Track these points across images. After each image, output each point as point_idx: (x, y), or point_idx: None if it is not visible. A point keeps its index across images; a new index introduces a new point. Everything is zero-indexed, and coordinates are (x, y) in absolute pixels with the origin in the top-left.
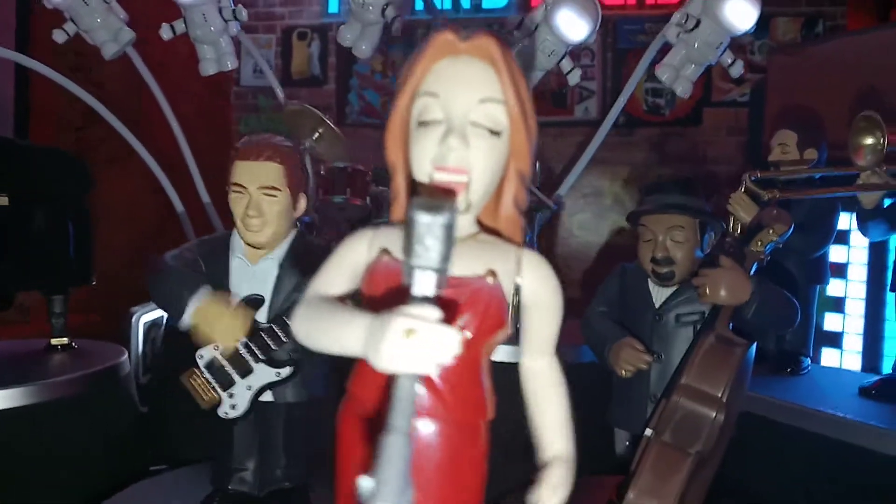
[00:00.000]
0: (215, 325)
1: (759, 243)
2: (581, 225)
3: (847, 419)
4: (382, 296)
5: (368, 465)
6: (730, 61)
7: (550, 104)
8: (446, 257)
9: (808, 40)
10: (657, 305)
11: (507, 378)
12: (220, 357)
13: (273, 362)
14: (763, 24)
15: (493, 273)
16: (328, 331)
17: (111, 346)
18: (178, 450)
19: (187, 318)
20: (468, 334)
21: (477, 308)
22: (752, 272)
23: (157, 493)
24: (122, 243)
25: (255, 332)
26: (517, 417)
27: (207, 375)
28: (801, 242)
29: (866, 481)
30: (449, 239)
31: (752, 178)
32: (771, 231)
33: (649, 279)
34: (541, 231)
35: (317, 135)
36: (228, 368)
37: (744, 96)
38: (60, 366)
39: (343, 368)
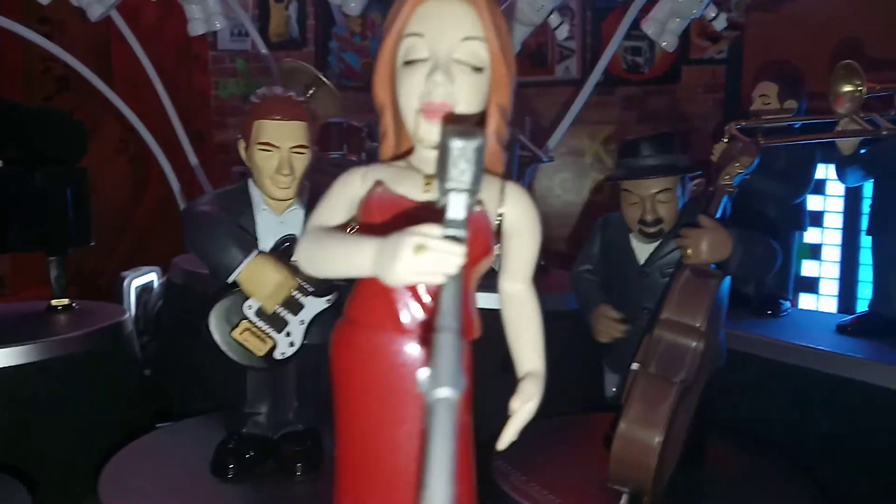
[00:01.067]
0: (264, 287)
1: (727, 176)
2: (563, 184)
3: (827, 351)
4: (378, 224)
5: (370, 385)
6: (713, 14)
7: (531, 64)
8: (477, 180)
9: None
10: (641, 262)
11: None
12: None
13: (320, 292)
14: None
15: (479, 202)
16: (336, 255)
17: (111, 305)
18: (183, 407)
19: (235, 276)
20: None
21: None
22: (722, 205)
23: (169, 442)
24: (97, 212)
25: (298, 270)
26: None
27: (261, 323)
28: (782, 189)
29: (846, 409)
30: (480, 162)
31: (737, 127)
32: (737, 164)
33: (631, 235)
34: (530, 184)
35: (311, 91)
36: (281, 310)
37: (721, 53)
38: (64, 325)
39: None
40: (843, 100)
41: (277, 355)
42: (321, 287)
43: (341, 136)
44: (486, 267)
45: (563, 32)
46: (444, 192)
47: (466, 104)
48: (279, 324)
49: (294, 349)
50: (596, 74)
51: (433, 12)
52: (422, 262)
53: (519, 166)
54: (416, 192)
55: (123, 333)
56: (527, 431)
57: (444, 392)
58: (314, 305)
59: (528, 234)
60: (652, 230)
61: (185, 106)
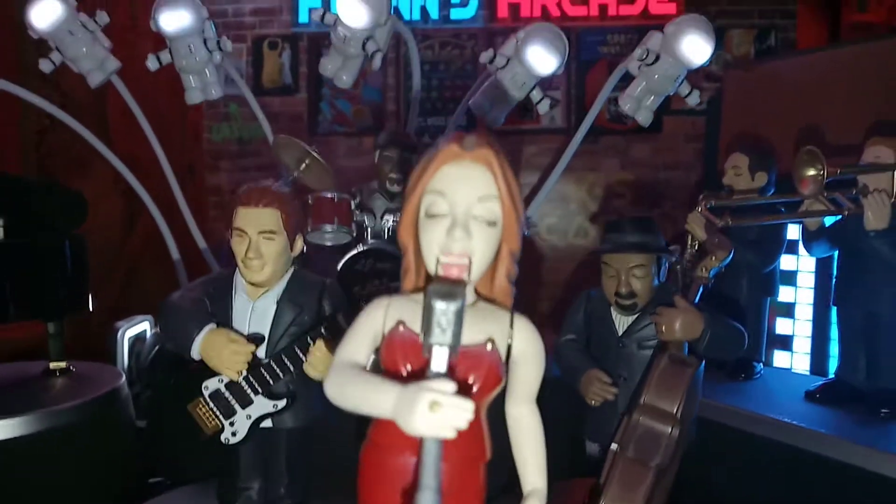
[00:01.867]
0: (220, 355)
1: (704, 269)
2: (549, 228)
3: (791, 423)
4: (400, 365)
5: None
6: (687, 91)
7: (518, 113)
8: (458, 335)
9: (761, 53)
10: (620, 333)
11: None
12: (223, 389)
13: (271, 395)
14: (719, 36)
15: (492, 340)
16: (359, 396)
17: (107, 367)
18: (177, 464)
19: (195, 350)
20: (473, 391)
21: (480, 371)
22: (698, 294)
23: None
24: (90, 247)
25: (255, 366)
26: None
27: (212, 405)
28: (754, 257)
29: (810, 482)
30: (460, 320)
31: (708, 206)
32: (713, 258)
33: (612, 308)
34: None
35: (304, 165)
36: (231, 399)
37: (701, 105)
38: (61, 392)
39: None
40: (808, 182)
41: (222, 439)
42: (272, 391)
43: (332, 209)
44: (497, 394)
45: (544, 107)
46: (428, 346)
47: (482, 254)
48: (228, 411)
49: (236, 440)
50: (578, 138)
51: (454, 174)
52: (436, 418)
53: None
54: None
55: (120, 398)
56: (511, 499)
57: None
58: (262, 405)
59: (533, 363)
60: (626, 302)
61: (179, 142)
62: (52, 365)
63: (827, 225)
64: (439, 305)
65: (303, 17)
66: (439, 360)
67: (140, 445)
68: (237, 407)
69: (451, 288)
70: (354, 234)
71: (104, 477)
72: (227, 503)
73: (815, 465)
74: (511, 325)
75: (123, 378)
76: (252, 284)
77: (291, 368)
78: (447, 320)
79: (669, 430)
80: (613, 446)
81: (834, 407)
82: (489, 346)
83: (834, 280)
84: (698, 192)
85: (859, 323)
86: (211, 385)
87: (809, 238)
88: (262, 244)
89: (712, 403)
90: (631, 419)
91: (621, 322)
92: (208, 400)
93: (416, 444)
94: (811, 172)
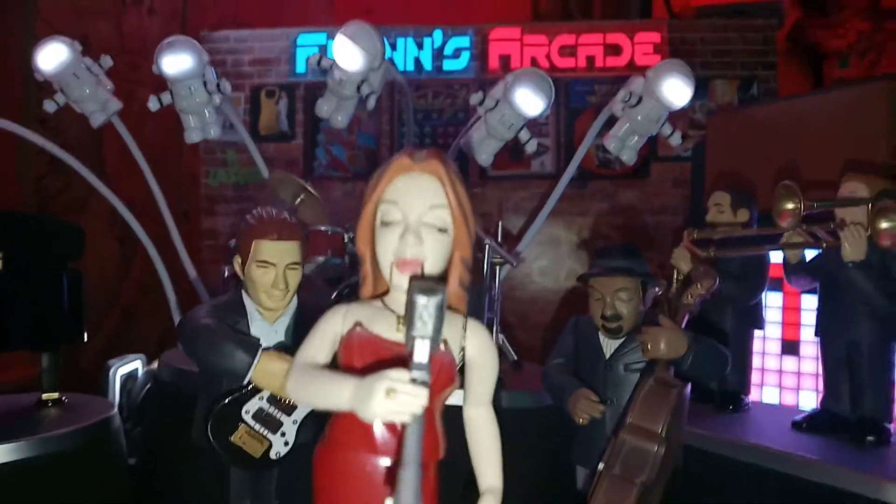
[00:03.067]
0: (277, 377)
1: (690, 296)
2: (540, 271)
3: (777, 450)
4: (357, 363)
5: (347, 501)
6: (669, 132)
7: (508, 158)
8: (438, 329)
9: (743, 101)
10: (607, 356)
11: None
12: (266, 405)
13: None
14: (703, 86)
15: (444, 342)
16: (319, 391)
17: (100, 399)
18: (167, 498)
19: (249, 376)
20: None
21: (433, 369)
22: (685, 321)
23: None
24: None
25: None
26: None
27: (256, 426)
28: (738, 291)
29: None
30: (440, 315)
31: (691, 239)
32: (699, 286)
33: (599, 332)
34: (504, 283)
35: (299, 200)
36: (276, 412)
37: (687, 151)
38: (53, 420)
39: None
40: (786, 216)
41: (273, 455)
42: None
43: (326, 242)
44: (450, 394)
45: (532, 147)
46: (411, 339)
47: (434, 259)
48: (274, 425)
49: (288, 448)
50: (566, 178)
51: (406, 184)
52: (392, 404)
53: (492, 267)
54: (390, 331)
55: (111, 429)
56: None
57: None
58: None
59: (486, 366)
60: (612, 325)
61: (175, 186)
62: (45, 396)
63: (807, 259)
64: (420, 300)
65: (300, 67)
66: (421, 352)
67: (132, 481)
68: (283, 418)
69: (431, 284)
70: (348, 265)
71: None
72: None
73: (802, 490)
74: (464, 329)
75: (115, 409)
76: (269, 310)
77: None
78: (428, 314)
79: (655, 448)
80: (600, 465)
81: (820, 435)
82: (442, 347)
83: (817, 311)
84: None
85: (841, 353)
86: (252, 407)
87: (790, 271)
88: (289, 275)
89: (701, 433)
90: (618, 439)
91: (608, 346)
92: (252, 423)
93: (373, 442)
94: (789, 206)
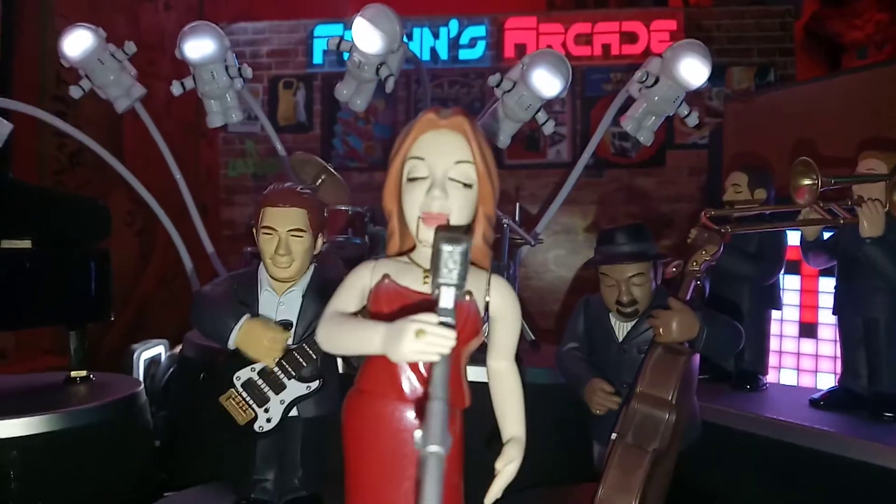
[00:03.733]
0: (258, 344)
1: (695, 263)
2: (556, 260)
3: (798, 423)
4: (385, 310)
5: (375, 447)
6: (686, 112)
7: (525, 148)
8: (463, 276)
9: (760, 88)
10: (620, 339)
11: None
12: (256, 377)
13: (303, 378)
14: (720, 73)
15: (469, 293)
16: (350, 337)
17: (127, 377)
18: (191, 477)
19: (232, 341)
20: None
21: (459, 319)
22: (691, 289)
23: None
24: None
25: (287, 352)
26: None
27: (245, 394)
28: (755, 271)
29: (815, 480)
30: (465, 263)
31: (708, 216)
32: (703, 252)
33: (611, 314)
34: (521, 263)
35: (320, 181)
36: (264, 386)
37: (703, 139)
38: (82, 396)
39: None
40: (803, 192)
41: (256, 427)
42: (305, 373)
43: (347, 221)
44: (476, 346)
45: (549, 128)
46: (437, 286)
47: (459, 213)
48: (261, 398)
49: (271, 426)
50: (582, 162)
51: (432, 140)
52: (421, 344)
53: (510, 248)
54: (416, 283)
55: (138, 404)
56: (519, 501)
57: (434, 448)
58: (295, 389)
59: (510, 319)
60: (628, 310)
61: (193, 181)
62: (73, 373)
63: (825, 238)
64: (446, 248)
65: (317, 58)
66: (447, 298)
67: (156, 462)
68: (270, 394)
69: (455, 234)
70: (369, 245)
71: (120, 480)
72: (244, 496)
73: (819, 463)
74: (488, 284)
75: (142, 386)
76: (278, 280)
77: (319, 352)
78: (453, 261)
79: (666, 415)
80: (613, 435)
81: (837, 412)
82: (467, 297)
83: (834, 289)
84: None
85: (859, 330)
86: (243, 375)
87: (808, 248)
88: (291, 241)
89: (716, 408)
90: (629, 408)
91: (621, 328)
92: (241, 390)
93: (400, 390)
94: (806, 182)
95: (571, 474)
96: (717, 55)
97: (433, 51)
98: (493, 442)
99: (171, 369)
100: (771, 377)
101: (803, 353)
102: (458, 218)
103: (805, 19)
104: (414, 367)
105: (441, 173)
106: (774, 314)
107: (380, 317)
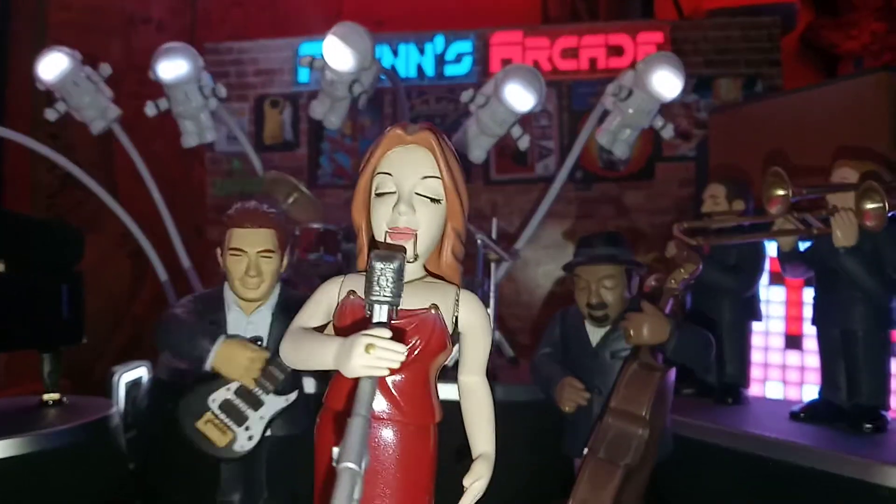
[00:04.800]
0: (237, 364)
1: (673, 281)
2: (546, 275)
3: (777, 438)
4: (349, 325)
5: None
6: (660, 124)
7: (513, 162)
8: (397, 293)
9: (747, 99)
10: (594, 344)
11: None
12: (233, 397)
13: (279, 392)
14: (707, 85)
15: (435, 306)
16: (308, 351)
17: (101, 400)
18: (166, 499)
19: (210, 362)
20: (417, 353)
21: (424, 333)
22: (669, 306)
23: None
24: (93, 308)
25: (263, 368)
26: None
27: (223, 416)
28: (734, 283)
29: (794, 493)
30: (399, 280)
31: (680, 229)
32: (682, 270)
33: (586, 321)
34: (500, 281)
35: (292, 199)
36: (242, 405)
37: (692, 150)
38: (52, 419)
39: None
40: (775, 202)
41: (237, 447)
42: (281, 386)
43: (319, 239)
44: (444, 360)
45: (524, 143)
46: (370, 303)
47: (426, 228)
48: (240, 418)
49: (252, 443)
50: (562, 176)
51: (399, 156)
52: (371, 359)
53: (485, 264)
54: None
55: (110, 427)
56: None
57: (348, 464)
58: (274, 403)
59: (479, 334)
60: (597, 313)
61: (184, 199)
62: (46, 396)
63: (801, 248)
64: (377, 265)
65: (303, 77)
66: (380, 315)
67: (130, 484)
68: (249, 412)
69: (389, 252)
70: (343, 263)
71: (94, 502)
72: None
73: (800, 478)
74: (457, 298)
75: (114, 408)
76: (246, 300)
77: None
78: (385, 279)
79: (639, 431)
80: (585, 450)
81: (818, 425)
82: (433, 311)
83: (812, 300)
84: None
85: (837, 342)
86: (218, 396)
87: (784, 259)
88: (261, 262)
89: (697, 423)
90: (602, 423)
91: (595, 334)
92: (218, 412)
93: None
94: (779, 192)
95: (549, 490)
96: (704, 67)
97: (419, 67)
98: (462, 457)
99: (153, 392)
100: (757, 390)
101: (789, 365)
102: (425, 233)
103: (800, 30)
104: (381, 382)
105: (408, 188)
106: (758, 326)
107: (344, 332)
